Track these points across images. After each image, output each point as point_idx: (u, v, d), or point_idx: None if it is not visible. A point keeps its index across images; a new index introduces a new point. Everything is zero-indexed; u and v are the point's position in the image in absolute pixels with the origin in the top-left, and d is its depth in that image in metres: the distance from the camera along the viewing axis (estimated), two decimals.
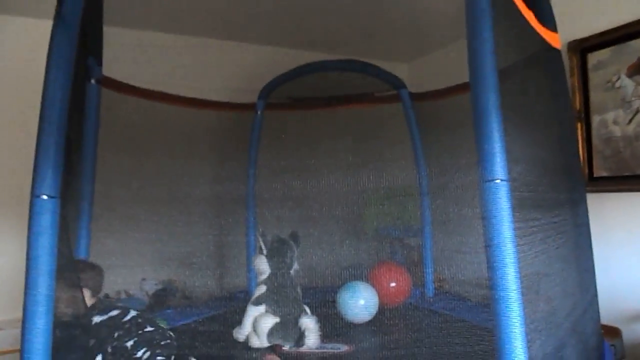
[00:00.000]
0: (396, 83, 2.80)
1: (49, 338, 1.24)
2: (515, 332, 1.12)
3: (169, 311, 2.56)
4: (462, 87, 2.44)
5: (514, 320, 1.12)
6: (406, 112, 2.78)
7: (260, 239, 2.20)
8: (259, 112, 2.90)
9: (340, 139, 2.55)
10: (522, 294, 1.15)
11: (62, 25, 1.34)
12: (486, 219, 1.17)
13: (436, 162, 2.45)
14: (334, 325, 2.18)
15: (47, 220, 1.26)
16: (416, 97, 2.80)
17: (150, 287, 2.95)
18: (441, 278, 2.79)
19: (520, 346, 1.12)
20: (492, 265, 1.15)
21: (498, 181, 1.17)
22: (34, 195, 1.27)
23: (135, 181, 2.21)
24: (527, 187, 1.32)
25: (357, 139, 2.64)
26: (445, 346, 1.78)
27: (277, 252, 2.17)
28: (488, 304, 1.18)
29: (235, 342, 2.11)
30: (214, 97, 2.73)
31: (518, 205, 1.20)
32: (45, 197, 1.26)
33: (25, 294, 1.24)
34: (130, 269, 2.28)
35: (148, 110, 2.36)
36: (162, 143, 2.42)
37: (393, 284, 2.53)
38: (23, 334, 1.23)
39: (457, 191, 1.98)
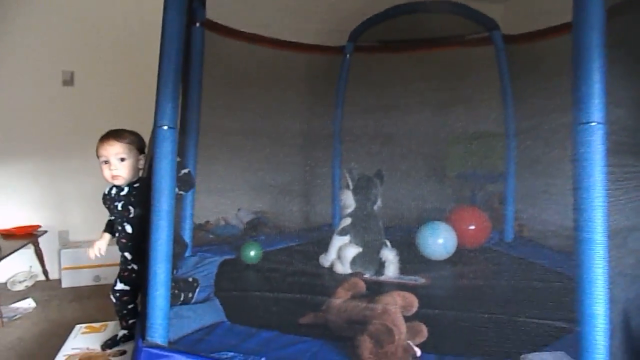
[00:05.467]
0: (489, 24, 2.64)
1: (170, 247, 1.43)
2: (597, 274, 1.11)
3: (262, 238, 2.78)
4: (562, 28, 2.25)
5: (597, 261, 1.11)
6: (498, 55, 2.63)
7: (348, 176, 2.27)
8: (347, 56, 2.89)
9: (428, 81, 2.49)
10: (609, 237, 1.13)
11: None
12: (577, 162, 1.14)
13: (526, 104, 2.32)
14: (413, 259, 2.25)
15: (167, 147, 1.42)
16: (509, 39, 2.62)
17: (245, 216, 3.20)
18: (521, 224, 2.73)
19: (602, 287, 1.11)
20: (579, 207, 1.13)
21: (594, 124, 1.12)
22: (157, 126, 1.43)
23: (234, 115, 2.34)
24: (627, 131, 1.25)
25: (446, 81, 2.56)
26: (521, 285, 1.79)
27: (363, 189, 2.24)
28: (570, 252, 1.17)
29: (321, 267, 2.26)
30: (309, 39, 2.75)
31: (613, 150, 1.14)
32: (165, 127, 1.41)
33: (152, 210, 1.43)
34: (229, 199, 2.47)
35: (247, 51, 2.45)
36: (259, 82, 2.53)
37: (472, 227, 2.52)
38: (150, 244, 1.42)
39: (547, 134, 1.89)
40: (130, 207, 1.69)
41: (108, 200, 1.75)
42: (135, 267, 1.74)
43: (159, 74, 1.45)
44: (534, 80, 2.31)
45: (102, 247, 1.73)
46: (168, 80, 1.45)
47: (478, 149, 2.33)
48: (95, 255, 1.72)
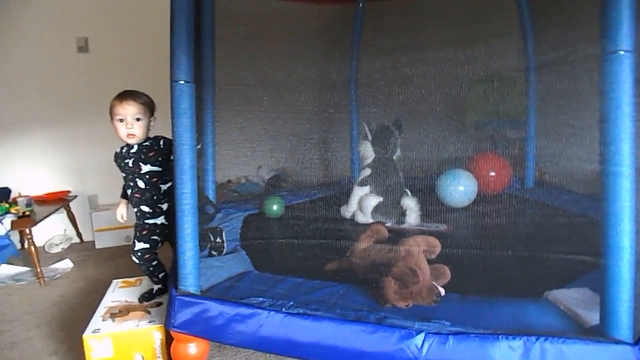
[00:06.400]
0: None
1: (195, 199, 1.45)
2: (624, 206, 1.08)
3: (284, 193, 2.79)
4: None
5: (624, 194, 1.08)
6: None
7: (366, 127, 2.24)
8: (360, 4, 2.79)
9: (446, 25, 2.37)
10: (636, 169, 1.09)
11: None
12: (604, 93, 1.09)
13: (548, 37, 2.20)
14: (434, 207, 2.23)
15: (185, 102, 1.41)
16: None
17: (266, 173, 3.21)
18: (542, 170, 2.67)
19: (629, 220, 1.09)
20: (605, 140, 1.09)
21: (622, 52, 1.06)
22: (173, 81, 1.41)
23: (249, 69, 2.31)
24: None
25: (463, 20, 2.44)
26: (544, 223, 1.77)
27: (381, 139, 2.21)
28: (593, 195, 1.13)
29: (343, 218, 2.27)
30: None
31: None
32: (182, 82, 1.40)
33: (175, 165, 1.44)
34: (249, 153, 2.46)
35: (257, 5, 2.38)
36: (273, 36, 2.47)
37: (492, 173, 2.48)
38: (176, 198, 1.45)
39: (571, 66, 1.80)
40: (141, 164, 1.77)
41: (119, 158, 1.82)
42: (156, 221, 1.79)
43: (171, 29, 1.42)
44: (558, 10, 2.17)
45: (123, 213, 1.91)
46: (181, 33, 1.42)
47: (498, 91, 2.24)
48: (123, 218, 1.91)
